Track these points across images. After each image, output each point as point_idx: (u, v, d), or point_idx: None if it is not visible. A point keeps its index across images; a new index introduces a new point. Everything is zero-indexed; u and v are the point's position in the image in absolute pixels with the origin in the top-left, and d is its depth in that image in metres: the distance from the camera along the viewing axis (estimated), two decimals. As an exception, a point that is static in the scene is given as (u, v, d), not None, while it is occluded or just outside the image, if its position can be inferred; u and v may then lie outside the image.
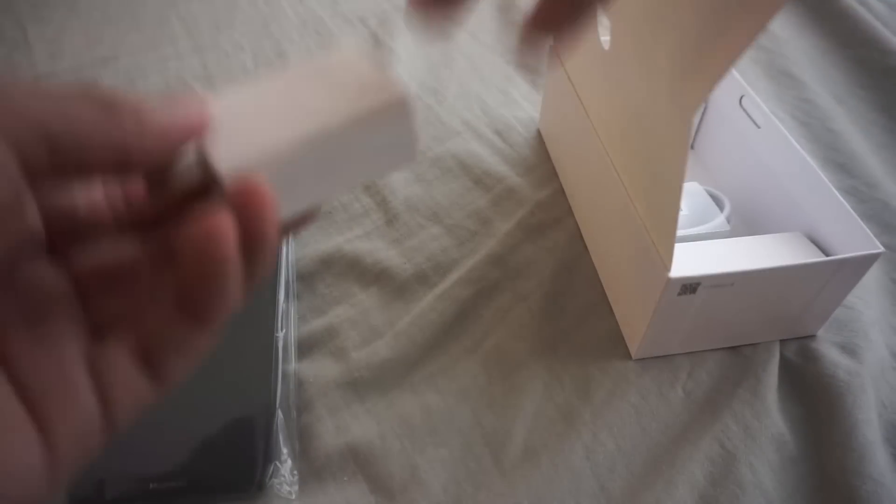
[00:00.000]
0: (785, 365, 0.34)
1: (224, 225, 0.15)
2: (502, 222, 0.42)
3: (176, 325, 0.16)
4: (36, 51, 0.57)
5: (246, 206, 0.15)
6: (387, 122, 0.19)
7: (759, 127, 0.37)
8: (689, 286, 0.29)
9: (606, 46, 0.31)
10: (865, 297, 0.37)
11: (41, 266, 0.16)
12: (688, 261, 0.29)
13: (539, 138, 0.48)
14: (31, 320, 0.15)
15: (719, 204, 0.38)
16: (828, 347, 0.34)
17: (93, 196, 0.18)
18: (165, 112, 0.15)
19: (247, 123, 0.18)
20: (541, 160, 0.46)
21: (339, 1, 0.63)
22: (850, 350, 0.34)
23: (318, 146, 0.18)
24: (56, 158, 0.14)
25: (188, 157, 0.17)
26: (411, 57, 0.56)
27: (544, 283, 0.38)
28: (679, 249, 0.28)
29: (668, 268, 0.28)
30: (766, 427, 0.31)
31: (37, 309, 0.15)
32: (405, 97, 0.19)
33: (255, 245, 0.15)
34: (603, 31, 0.32)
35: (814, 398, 0.33)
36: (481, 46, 0.57)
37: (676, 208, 0.26)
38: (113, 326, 0.16)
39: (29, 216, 0.15)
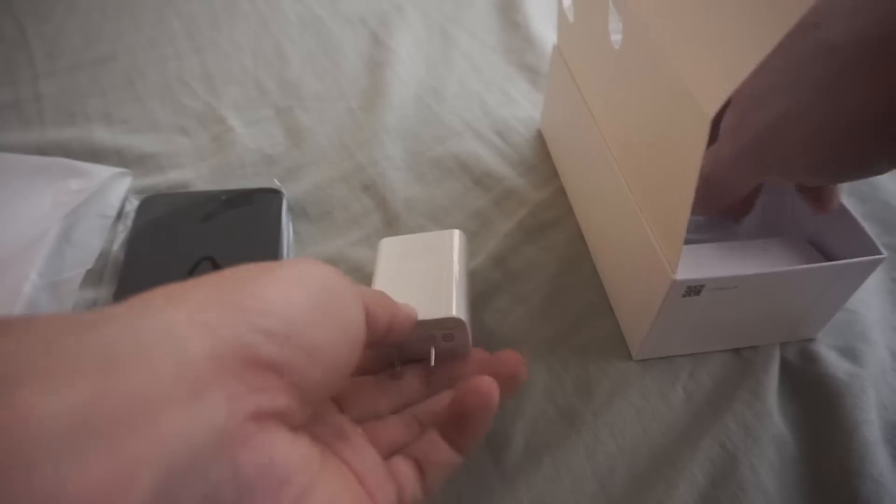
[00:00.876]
0: (785, 366, 0.34)
1: (494, 387, 0.24)
2: (503, 223, 0.42)
3: (444, 452, 0.24)
4: (34, 50, 0.57)
5: (510, 375, 0.26)
6: (463, 247, 0.34)
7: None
8: (694, 288, 0.29)
9: (617, 46, 0.31)
10: (865, 298, 0.37)
11: (331, 410, 0.25)
12: (690, 263, 0.29)
13: (540, 138, 0.48)
14: (341, 438, 0.23)
15: None
16: (828, 349, 0.34)
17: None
18: (405, 313, 0.26)
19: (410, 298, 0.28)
20: (541, 160, 0.46)
21: (338, 1, 0.62)
22: (850, 351, 0.34)
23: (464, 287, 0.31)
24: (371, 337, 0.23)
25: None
26: (411, 57, 0.56)
27: (545, 284, 0.38)
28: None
29: (673, 270, 0.28)
30: (766, 428, 0.31)
31: (341, 432, 0.24)
32: (457, 232, 0.34)
33: (506, 399, 0.25)
34: (614, 30, 0.31)
35: (814, 399, 0.33)
36: (481, 46, 0.57)
37: (686, 211, 0.25)
38: (396, 451, 0.25)
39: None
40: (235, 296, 0.18)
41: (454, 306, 0.29)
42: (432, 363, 0.29)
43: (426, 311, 0.28)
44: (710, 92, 0.22)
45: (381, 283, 0.32)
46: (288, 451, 0.18)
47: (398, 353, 0.29)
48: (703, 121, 0.22)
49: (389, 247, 0.34)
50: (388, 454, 0.25)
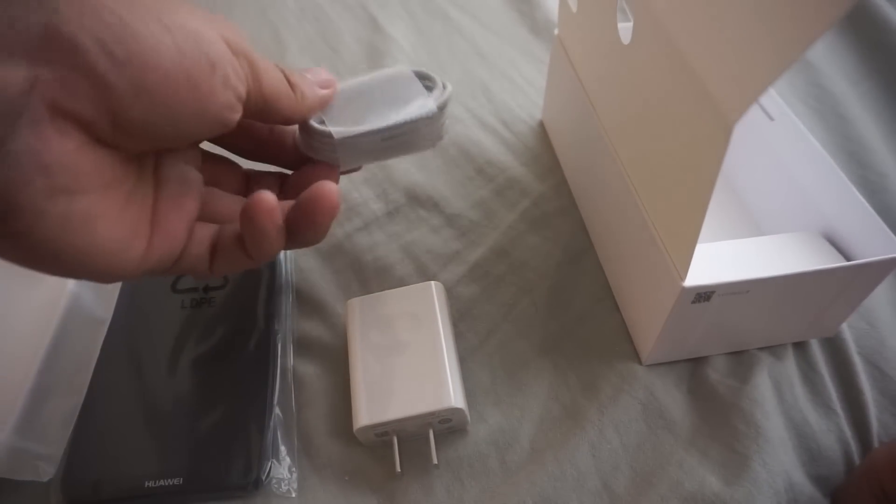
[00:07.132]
0: (794, 363, 0.33)
1: (334, 192, 0.24)
2: (506, 213, 0.41)
3: (237, 249, 0.25)
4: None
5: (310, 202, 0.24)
6: (444, 300, 0.33)
7: (772, 119, 0.36)
8: (704, 294, 0.28)
9: (626, 40, 0.29)
10: (875, 291, 0.36)
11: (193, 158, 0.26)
12: (699, 265, 0.27)
13: (543, 127, 0.47)
14: (182, 185, 0.24)
15: (431, 86, 0.30)
16: (837, 345, 0.34)
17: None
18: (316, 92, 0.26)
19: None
20: (545, 149, 0.45)
21: (338, -15, 0.61)
22: (860, 347, 0.33)
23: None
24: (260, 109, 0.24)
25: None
26: (412, 44, 0.54)
27: (549, 277, 0.37)
28: None
29: (682, 276, 0.27)
30: (774, 426, 0.31)
31: (185, 181, 0.24)
32: (434, 285, 0.33)
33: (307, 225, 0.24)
34: (624, 23, 0.30)
35: (822, 397, 0.32)
36: (485, 32, 0.56)
37: (701, 217, 0.24)
38: (209, 219, 0.26)
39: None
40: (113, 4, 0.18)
41: (452, 394, 0.28)
42: (434, 461, 0.29)
43: (424, 400, 0.28)
44: (734, 98, 0.20)
45: (362, 362, 0.30)
46: (70, 150, 0.18)
47: (395, 433, 0.29)
48: (724, 129, 0.21)
49: (362, 310, 0.32)
50: (205, 219, 0.25)
